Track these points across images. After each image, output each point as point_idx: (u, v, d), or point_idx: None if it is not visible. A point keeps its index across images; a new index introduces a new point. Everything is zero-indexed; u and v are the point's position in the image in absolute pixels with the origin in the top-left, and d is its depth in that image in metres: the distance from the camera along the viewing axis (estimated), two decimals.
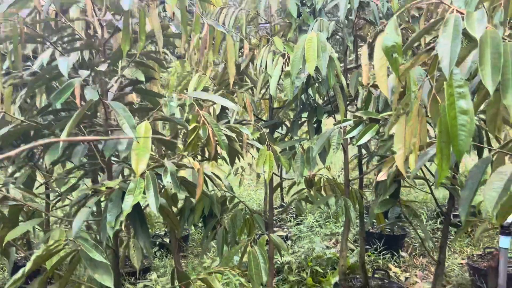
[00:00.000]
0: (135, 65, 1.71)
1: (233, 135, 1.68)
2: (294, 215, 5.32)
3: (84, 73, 1.34)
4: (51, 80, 1.64)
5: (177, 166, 1.46)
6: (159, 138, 1.64)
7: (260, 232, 2.59)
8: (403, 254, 4.23)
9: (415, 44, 1.77)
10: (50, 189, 2.52)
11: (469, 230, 4.59)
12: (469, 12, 1.06)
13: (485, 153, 2.23)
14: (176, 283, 2.22)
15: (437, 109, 1.03)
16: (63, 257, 1.39)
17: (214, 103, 1.64)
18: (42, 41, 1.58)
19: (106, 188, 1.37)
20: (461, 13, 1.11)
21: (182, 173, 1.87)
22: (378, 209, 2.17)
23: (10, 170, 2.41)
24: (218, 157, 1.82)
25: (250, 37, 2.59)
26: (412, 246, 4.46)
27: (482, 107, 2.26)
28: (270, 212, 2.63)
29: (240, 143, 1.84)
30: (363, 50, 1.44)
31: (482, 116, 2.17)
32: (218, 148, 1.82)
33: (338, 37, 2.64)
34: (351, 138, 2.22)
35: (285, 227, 5.00)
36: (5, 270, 4.04)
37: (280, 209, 5.35)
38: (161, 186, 1.58)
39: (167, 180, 1.33)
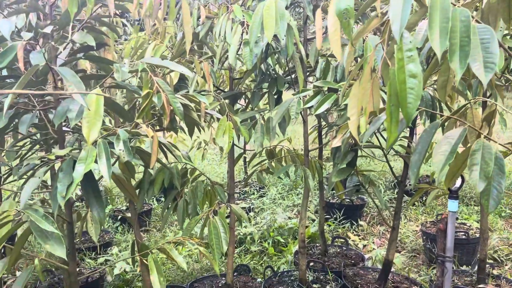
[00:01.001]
0: (86, 30, 1.64)
1: (191, 104, 1.65)
2: (257, 188, 5.37)
3: (27, 35, 1.26)
4: None
5: (131, 134, 1.43)
6: (112, 106, 1.58)
7: (222, 203, 2.60)
8: (361, 223, 4.37)
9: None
10: (0, 162, 2.41)
11: (423, 198, 4.80)
12: None
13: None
14: (136, 253, 2.21)
15: (388, 73, 1.04)
16: (12, 228, 1.35)
17: (169, 69, 1.60)
18: None
19: (56, 157, 1.32)
20: None
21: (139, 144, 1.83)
22: (336, 177, 2.22)
23: None
24: (177, 127, 1.79)
25: (209, 5, 2.53)
26: (370, 215, 4.62)
27: (436, 78, 2.33)
28: (231, 183, 2.64)
29: (198, 113, 1.82)
30: (317, 14, 1.43)
31: (435, 86, 2.24)
32: (177, 118, 1.79)
33: (298, 9, 2.62)
34: (310, 108, 2.23)
35: (248, 199, 5.05)
36: None
37: (243, 182, 5.38)
38: (115, 155, 1.54)
39: (119, 148, 1.30)
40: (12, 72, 1.64)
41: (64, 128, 1.75)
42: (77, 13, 1.41)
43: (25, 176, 1.54)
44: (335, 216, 4.34)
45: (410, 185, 3.76)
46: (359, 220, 4.40)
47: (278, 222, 3.94)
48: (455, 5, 1.13)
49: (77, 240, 3.44)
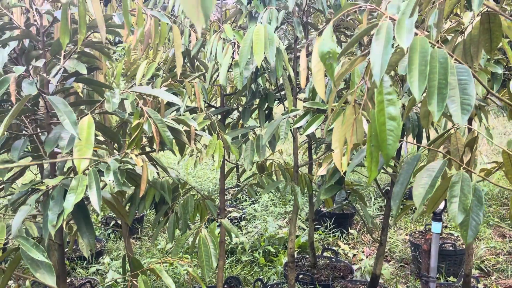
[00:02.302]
0: (78, 55, 1.66)
1: (180, 127, 1.68)
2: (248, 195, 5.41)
3: (19, 69, 1.29)
4: None
5: (121, 162, 1.46)
6: (104, 131, 1.61)
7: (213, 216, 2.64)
8: (352, 231, 4.43)
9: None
10: None
11: (413, 209, 4.86)
12: (400, 21, 1.10)
13: (424, 141, 2.35)
14: (127, 268, 2.24)
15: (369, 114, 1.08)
16: (3, 256, 1.37)
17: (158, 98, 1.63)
18: None
19: (46, 186, 1.35)
20: (394, 20, 1.15)
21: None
22: (324, 195, 2.25)
23: None
24: (166, 148, 1.82)
25: None
26: (360, 224, 4.67)
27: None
28: (222, 197, 2.67)
29: (188, 135, 1.85)
30: (302, 55, 1.47)
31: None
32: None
33: (288, 25, 2.66)
34: (299, 129, 2.27)
35: (241, 206, 5.09)
36: None
37: (236, 189, 5.42)
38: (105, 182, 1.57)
39: (109, 179, 1.33)
40: (4, 97, 1.66)
41: (56, 150, 1.78)
42: (71, 41, 1.44)
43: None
44: (325, 224, 4.39)
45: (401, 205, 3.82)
46: (349, 228, 4.45)
47: (269, 232, 3.98)
48: (434, 45, 1.17)
49: (71, 250, 3.46)
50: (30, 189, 1.46)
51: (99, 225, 4.45)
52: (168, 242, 4.10)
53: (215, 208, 2.54)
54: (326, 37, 1.10)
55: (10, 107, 1.77)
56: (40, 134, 1.75)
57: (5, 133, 1.62)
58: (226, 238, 3.92)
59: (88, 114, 1.48)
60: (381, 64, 1.07)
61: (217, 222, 2.47)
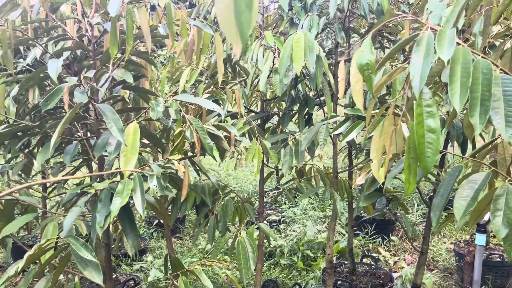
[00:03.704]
0: (125, 64, 1.75)
1: (220, 134, 1.73)
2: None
3: (72, 79, 1.38)
4: (43, 79, 1.68)
5: (163, 168, 1.52)
6: (149, 137, 1.69)
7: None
8: (393, 238, 4.33)
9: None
10: (46, 177, 2.59)
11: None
12: (441, 33, 1.09)
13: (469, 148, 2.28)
14: (169, 266, 2.32)
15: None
16: (54, 254, 1.47)
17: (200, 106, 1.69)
18: (32, 43, 1.61)
19: (95, 190, 1.43)
20: (436, 30, 1.14)
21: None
22: (363, 202, 2.23)
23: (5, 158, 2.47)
24: (207, 154, 1.87)
25: None
26: (402, 231, 4.56)
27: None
28: (261, 201, 2.70)
29: (229, 140, 1.89)
30: (340, 66, 1.47)
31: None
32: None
33: (329, 30, 2.65)
34: (338, 135, 2.26)
35: (280, 209, 5.10)
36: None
37: (276, 192, 5.44)
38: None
39: (153, 184, 1.39)
40: (58, 104, 1.77)
41: (104, 154, 1.87)
42: (119, 51, 1.52)
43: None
44: (366, 230, 4.32)
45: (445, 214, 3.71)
46: (390, 235, 4.36)
47: (308, 236, 3.97)
48: (478, 55, 1.14)
49: (117, 248, 3.61)
50: (80, 191, 1.55)
51: (143, 224, 4.60)
52: (208, 243, 4.18)
53: (253, 211, 2.57)
54: (364, 49, 1.10)
55: (64, 112, 1.88)
56: (90, 138, 1.85)
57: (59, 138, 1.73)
58: (264, 241, 3.96)
59: (134, 120, 1.56)
60: (420, 76, 1.06)
61: (255, 225, 2.50)
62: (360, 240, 4.23)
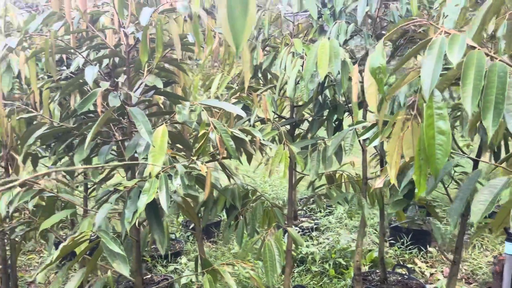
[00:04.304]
0: (157, 71, 1.85)
1: (245, 137, 1.79)
2: (324, 205, 5.39)
3: (105, 84, 1.49)
4: (82, 85, 1.81)
5: (187, 168, 1.60)
6: (177, 139, 1.78)
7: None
8: (431, 249, 4.21)
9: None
10: (87, 177, 2.75)
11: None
12: (454, 36, 1.10)
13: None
14: (199, 269, 2.40)
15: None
16: (87, 246, 1.58)
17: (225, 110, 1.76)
18: (73, 52, 1.75)
19: (125, 187, 1.53)
20: (449, 34, 1.15)
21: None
22: (392, 209, 2.22)
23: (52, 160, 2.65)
24: (232, 157, 1.94)
25: (272, 37, 2.67)
26: (441, 242, 4.43)
27: None
28: (290, 206, 2.73)
29: (254, 144, 1.95)
30: (354, 70, 1.49)
31: None
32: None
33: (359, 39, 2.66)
34: (365, 140, 2.27)
35: (314, 217, 5.09)
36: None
37: (308, 198, 5.43)
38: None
39: (177, 183, 1.47)
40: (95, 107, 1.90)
41: (136, 155, 1.99)
42: (148, 60, 1.62)
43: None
44: (402, 240, 4.23)
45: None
46: (428, 246, 4.24)
47: (341, 244, 3.94)
48: (495, 58, 1.14)
49: (150, 248, 3.75)
50: (112, 189, 1.66)
51: (180, 227, 4.74)
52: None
53: (282, 216, 2.61)
54: (376, 53, 1.13)
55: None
56: (124, 140, 1.97)
57: (95, 139, 1.86)
58: (297, 248, 3.97)
59: (163, 124, 1.65)
60: (431, 79, 1.08)
61: (283, 229, 2.54)
62: (395, 250, 4.14)
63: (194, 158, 1.57)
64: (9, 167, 2.46)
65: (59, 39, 1.67)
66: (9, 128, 1.91)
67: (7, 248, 2.51)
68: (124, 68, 1.80)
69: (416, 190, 2.14)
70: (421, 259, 4.09)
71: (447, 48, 1.07)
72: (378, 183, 1.72)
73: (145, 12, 1.55)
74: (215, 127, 1.54)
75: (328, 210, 5.27)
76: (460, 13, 1.53)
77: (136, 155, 1.70)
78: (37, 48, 1.66)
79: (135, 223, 1.60)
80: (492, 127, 1.06)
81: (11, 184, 1.45)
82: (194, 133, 2.58)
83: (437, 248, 4.32)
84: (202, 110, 1.55)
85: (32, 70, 1.69)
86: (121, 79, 1.67)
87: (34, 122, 2.08)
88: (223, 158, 1.74)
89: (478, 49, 1.13)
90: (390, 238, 4.33)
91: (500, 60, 1.13)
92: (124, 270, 1.47)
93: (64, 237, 4.00)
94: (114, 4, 1.72)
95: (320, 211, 5.28)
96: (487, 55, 1.14)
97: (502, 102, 1.07)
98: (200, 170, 1.58)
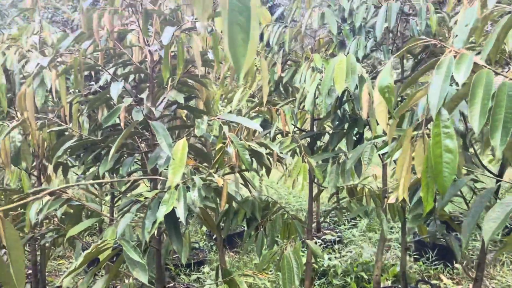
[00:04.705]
0: (179, 86, 1.94)
1: (263, 151, 1.84)
2: (348, 218, 5.35)
3: (128, 100, 1.57)
4: (108, 100, 1.91)
5: (205, 181, 1.66)
6: (197, 151, 1.84)
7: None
8: (457, 265, 4.11)
9: None
10: (114, 187, 2.86)
11: None
12: (462, 56, 1.12)
13: None
14: (220, 279, 2.45)
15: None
16: (110, 254, 1.65)
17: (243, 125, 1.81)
18: (100, 68, 1.86)
19: (145, 198, 1.60)
20: (458, 54, 1.17)
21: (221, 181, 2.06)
22: (410, 223, 2.21)
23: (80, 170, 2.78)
24: (252, 170, 1.99)
25: (293, 51, 2.72)
26: (469, 258, 4.32)
27: None
28: (309, 219, 2.75)
29: (271, 158, 2.00)
30: (364, 87, 1.52)
31: None
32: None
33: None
34: (383, 155, 2.27)
35: (338, 229, 5.06)
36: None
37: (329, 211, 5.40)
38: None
39: (194, 195, 1.53)
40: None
41: (157, 166, 2.07)
42: (170, 76, 1.70)
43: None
44: (427, 255, 4.15)
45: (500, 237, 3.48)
46: (454, 262, 4.15)
47: (364, 258, 3.91)
48: (506, 77, 1.15)
49: (172, 257, 3.82)
50: (134, 200, 1.74)
51: (203, 236, 4.81)
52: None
53: (301, 228, 2.63)
54: (385, 73, 1.16)
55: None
56: (148, 152, 2.06)
57: (120, 151, 1.96)
58: (319, 261, 3.96)
59: (183, 137, 1.72)
60: (438, 97, 1.10)
61: (302, 241, 2.56)
62: (420, 265, 4.07)
63: (212, 170, 1.63)
64: (41, 176, 2.60)
65: (88, 57, 1.78)
66: (41, 140, 2.02)
67: (38, 253, 2.63)
68: (148, 84, 1.89)
69: (436, 205, 2.13)
70: (446, 275, 4.00)
71: (454, 68, 1.09)
72: (391, 198, 1.73)
73: (167, 31, 1.63)
74: (232, 141, 1.60)
75: (352, 223, 5.23)
76: (476, 31, 1.54)
77: (157, 166, 1.78)
78: (67, 66, 1.77)
79: (155, 232, 1.67)
80: (500, 146, 1.07)
81: (42, 194, 1.55)
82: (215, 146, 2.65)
83: (464, 265, 4.21)
84: (220, 125, 1.61)
85: (62, 86, 1.80)
86: (144, 94, 1.76)
87: (66, 133, 2.20)
88: (241, 170, 1.80)
89: (488, 68, 1.15)
90: (414, 253, 4.26)
91: (510, 79, 1.14)
92: (143, 278, 1.53)
93: (91, 243, 4.14)
94: (139, 23, 1.82)
95: (344, 224, 5.25)
96: (496, 73, 1.15)
97: (511, 121, 1.08)
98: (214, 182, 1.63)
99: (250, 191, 2.60)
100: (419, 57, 2.66)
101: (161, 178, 1.62)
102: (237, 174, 2.15)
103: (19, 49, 2.23)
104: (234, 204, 2.53)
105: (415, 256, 4.21)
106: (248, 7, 0.68)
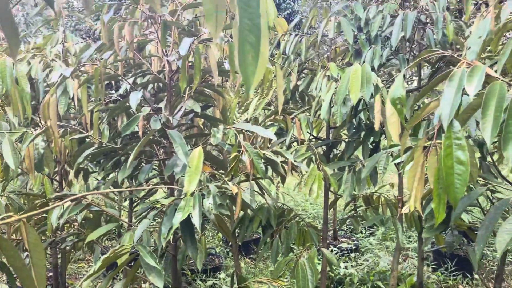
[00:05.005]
0: (196, 95, 1.98)
1: (277, 159, 1.86)
2: (365, 226, 5.31)
3: (146, 109, 1.62)
4: (128, 108, 1.97)
5: (220, 188, 1.69)
6: (212, 159, 1.88)
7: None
8: (476, 276, 4.04)
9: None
10: (132, 193, 2.92)
11: None
12: (475, 68, 1.13)
13: None
14: (235, 285, 2.47)
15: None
16: (127, 258, 1.70)
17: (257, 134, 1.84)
18: (120, 78, 1.91)
19: (161, 204, 1.64)
20: (471, 66, 1.17)
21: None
22: (426, 233, 2.19)
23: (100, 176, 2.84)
24: (267, 177, 2.01)
25: (310, 60, 2.74)
26: (488, 269, 4.24)
27: None
28: (325, 227, 2.76)
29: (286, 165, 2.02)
30: (376, 98, 1.53)
31: None
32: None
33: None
34: (398, 164, 2.27)
35: (355, 237, 5.02)
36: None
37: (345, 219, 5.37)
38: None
39: (209, 202, 1.56)
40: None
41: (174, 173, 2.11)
42: (187, 86, 1.74)
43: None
44: (446, 266, 4.09)
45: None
46: (474, 272, 4.07)
47: (381, 267, 3.88)
48: None
49: (189, 262, 3.86)
50: (151, 206, 1.78)
51: (220, 242, 4.84)
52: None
53: (316, 236, 2.64)
54: (397, 84, 1.17)
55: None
56: (166, 159, 2.10)
57: (138, 158, 2.01)
58: (335, 269, 3.94)
59: (199, 145, 1.76)
60: (450, 109, 1.11)
61: (317, 249, 2.56)
62: (438, 275, 4.01)
63: (227, 178, 1.66)
64: (63, 181, 2.67)
65: (108, 67, 1.84)
66: (63, 147, 2.09)
67: (58, 256, 2.70)
68: (165, 94, 1.94)
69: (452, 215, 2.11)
70: (465, 286, 3.93)
71: (466, 80, 1.10)
72: (404, 208, 1.73)
73: (185, 42, 1.68)
74: (246, 150, 1.63)
75: (370, 231, 5.19)
76: (492, 42, 1.54)
77: (174, 173, 1.82)
78: (89, 76, 1.83)
79: (171, 238, 1.70)
80: None
81: (64, 201, 1.61)
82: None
83: (484, 276, 4.13)
84: (235, 134, 1.65)
85: (83, 95, 1.86)
86: (162, 103, 1.81)
87: (87, 140, 2.27)
88: (256, 178, 1.82)
89: (501, 80, 1.15)
90: (433, 263, 4.20)
91: None
92: (159, 283, 1.57)
93: (109, 247, 4.23)
94: (158, 34, 1.87)
95: (361, 232, 5.21)
96: (510, 85, 1.15)
97: None
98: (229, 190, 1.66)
99: (265, 199, 2.62)
100: (436, 66, 2.65)
101: (176, 187, 1.66)
102: (253, 182, 2.17)
103: (44, 58, 2.31)
104: (249, 211, 2.56)
105: (433, 266, 4.16)
106: (258, 26, 0.70)
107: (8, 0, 0.76)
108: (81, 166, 2.51)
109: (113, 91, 2.31)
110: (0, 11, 0.73)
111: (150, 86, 2.24)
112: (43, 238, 2.34)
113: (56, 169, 2.53)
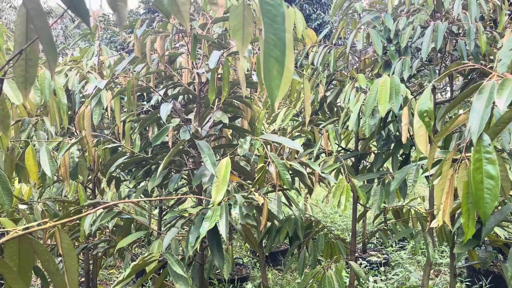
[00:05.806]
0: (224, 107, 2.02)
1: (304, 170, 1.87)
2: (396, 240, 5.19)
3: (175, 121, 1.66)
4: (159, 119, 2.02)
5: (247, 198, 1.71)
6: (239, 169, 1.90)
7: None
8: None
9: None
10: (162, 201, 2.98)
11: None
12: (506, 80, 1.10)
13: None
14: None
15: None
16: (156, 266, 1.73)
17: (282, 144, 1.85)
18: (151, 90, 1.97)
19: (189, 214, 1.68)
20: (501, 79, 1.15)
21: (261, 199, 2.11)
22: (458, 249, 2.13)
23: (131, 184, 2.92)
24: (294, 188, 2.01)
25: (339, 71, 2.74)
26: None
27: None
28: (353, 240, 2.72)
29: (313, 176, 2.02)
30: (404, 112, 1.51)
31: None
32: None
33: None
34: (430, 176, 2.22)
35: (385, 251, 4.92)
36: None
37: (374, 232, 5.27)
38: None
39: (235, 212, 1.58)
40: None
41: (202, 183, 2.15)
42: (216, 97, 1.78)
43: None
44: (481, 283, 3.95)
45: None
46: None
47: (411, 282, 3.78)
48: None
49: (215, 272, 3.89)
50: (179, 215, 1.82)
51: (247, 253, 4.85)
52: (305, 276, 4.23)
53: (344, 249, 2.61)
54: (424, 97, 1.16)
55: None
56: (194, 169, 2.14)
57: (168, 168, 2.06)
58: (364, 283, 3.87)
59: (227, 156, 1.79)
60: (479, 122, 1.09)
61: (345, 262, 2.53)
62: None
63: (253, 189, 1.68)
64: (96, 189, 2.76)
65: (141, 79, 1.90)
66: (96, 156, 2.17)
67: (90, 262, 2.78)
68: (195, 105, 1.99)
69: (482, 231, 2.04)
70: None
71: (496, 93, 1.08)
72: (434, 222, 1.69)
73: (214, 55, 1.72)
74: (273, 161, 1.64)
75: (400, 245, 5.07)
76: None
77: (202, 183, 1.85)
78: (121, 88, 1.90)
79: (198, 247, 1.73)
80: None
81: (97, 208, 1.67)
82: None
83: None
84: (262, 144, 1.66)
85: (116, 107, 1.93)
86: (192, 115, 1.85)
87: (119, 149, 2.34)
88: (283, 189, 1.83)
89: None
90: (467, 279, 4.06)
91: None
92: None
93: (139, 254, 4.31)
94: (188, 47, 1.92)
95: (392, 246, 5.10)
96: None
97: None
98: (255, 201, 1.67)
99: (292, 210, 2.62)
100: (469, 77, 2.59)
101: (204, 198, 1.69)
102: (280, 193, 2.18)
103: (80, 71, 2.41)
104: (276, 222, 2.56)
105: (467, 283, 4.02)
106: (284, 41, 0.72)
107: (46, 18, 0.81)
108: (113, 174, 2.59)
109: (144, 102, 2.38)
110: (40, 29, 0.78)
111: (181, 97, 2.30)
112: (76, 244, 2.42)
113: (90, 177, 2.62)
